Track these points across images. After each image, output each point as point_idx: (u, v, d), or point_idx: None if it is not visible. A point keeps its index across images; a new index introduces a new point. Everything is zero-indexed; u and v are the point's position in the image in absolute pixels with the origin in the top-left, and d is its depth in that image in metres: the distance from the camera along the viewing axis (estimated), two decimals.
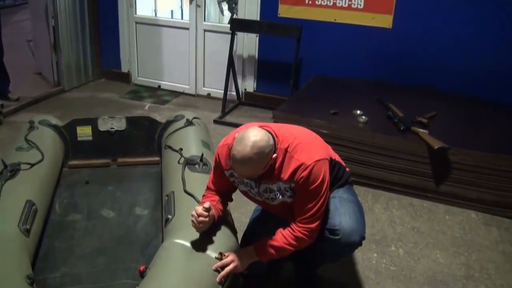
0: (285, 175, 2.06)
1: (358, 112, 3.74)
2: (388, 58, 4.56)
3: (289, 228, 2.11)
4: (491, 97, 4.23)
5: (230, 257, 2.07)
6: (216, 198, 2.29)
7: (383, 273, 2.72)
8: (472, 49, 4.28)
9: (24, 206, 2.37)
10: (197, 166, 2.74)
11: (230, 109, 5.04)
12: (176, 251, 2.09)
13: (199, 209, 2.08)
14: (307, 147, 2.09)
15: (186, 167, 2.72)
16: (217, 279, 1.99)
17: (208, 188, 2.35)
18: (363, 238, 2.17)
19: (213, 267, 2.02)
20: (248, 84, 5.27)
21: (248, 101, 5.26)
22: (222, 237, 2.23)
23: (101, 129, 3.34)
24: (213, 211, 2.16)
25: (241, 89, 5.24)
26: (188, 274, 1.96)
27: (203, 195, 2.34)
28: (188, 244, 2.10)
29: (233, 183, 2.29)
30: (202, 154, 2.80)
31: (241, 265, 2.10)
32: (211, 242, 2.15)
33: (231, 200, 2.43)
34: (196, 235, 2.14)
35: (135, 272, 2.35)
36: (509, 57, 4.18)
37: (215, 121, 4.74)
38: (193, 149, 2.92)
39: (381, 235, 3.06)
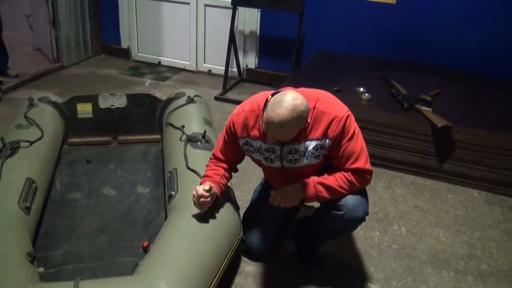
0: (317, 131, 2.06)
1: (361, 89, 3.70)
2: (391, 34, 4.50)
3: (342, 172, 2.12)
4: (496, 74, 4.20)
5: (272, 196, 2.17)
6: (221, 171, 2.28)
7: (385, 251, 2.72)
8: (477, 25, 4.22)
9: (24, 183, 2.37)
10: (199, 143, 2.73)
11: (231, 86, 4.99)
12: (180, 226, 2.10)
13: (200, 189, 2.08)
14: (333, 102, 2.11)
15: (188, 144, 2.70)
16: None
17: (214, 157, 2.33)
18: (367, 213, 2.19)
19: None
20: (250, 61, 5.21)
21: (249, 77, 5.21)
22: (225, 213, 2.24)
23: (101, 106, 3.31)
24: (214, 190, 2.15)
25: (242, 65, 5.19)
26: (192, 249, 1.97)
27: (207, 165, 2.33)
28: (192, 219, 2.11)
29: (246, 152, 2.26)
30: (205, 132, 2.79)
31: (288, 202, 2.18)
32: (214, 217, 2.16)
33: (236, 170, 2.43)
34: (199, 211, 2.15)
35: (137, 250, 2.37)
36: None
37: (216, 98, 4.69)
38: (194, 126, 2.90)
39: (384, 213, 3.05)
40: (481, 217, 3.08)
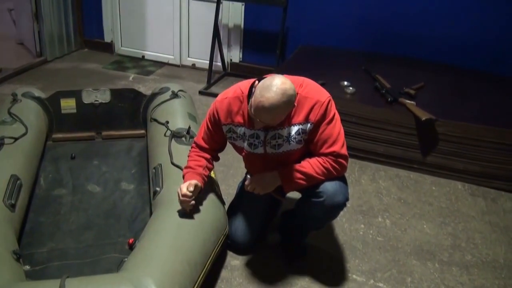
0: (299, 116, 2.09)
1: (345, 83, 3.71)
2: (375, 28, 4.51)
3: (317, 159, 2.14)
4: (479, 67, 4.24)
5: (248, 181, 2.17)
6: (203, 162, 2.28)
7: (370, 243, 2.74)
8: (460, 18, 4.25)
9: (9, 180, 2.35)
10: (183, 138, 2.73)
11: (215, 80, 4.98)
12: (165, 223, 2.10)
13: (184, 189, 2.10)
14: (315, 87, 2.14)
15: (173, 140, 2.70)
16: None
17: (196, 145, 2.34)
18: (347, 199, 2.21)
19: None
20: (234, 54, 5.20)
21: (234, 71, 5.20)
22: (211, 208, 2.25)
23: (85, 102, 3.30)
24: (198, 184, 2.17)
25: (226, 59, 5.17)
26: (177, 245, 1.97)
27: (189, 155, 2.33)
28: (177, 215, 2.12)
29: (229, 139, 2.28)
30: (189, 127, 2.79)
31: (262, 189, 2.18)
32: (200, 213, 2.17)
33: (218, 159, 2.43)
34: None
35: (122, 246, 2.37)
36: (496, 27, 4.16)
37: (201, 92, 4.68)
38: (179, 121, 2.90)
39: (368, 206, 3.07)
40: (465, 208, 3.11)
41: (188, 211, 2.14)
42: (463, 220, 2.99)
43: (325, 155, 2.12)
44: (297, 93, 2.05)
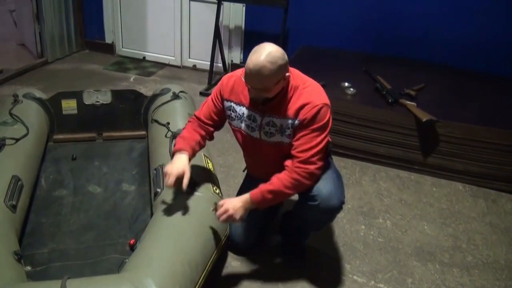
0: (291, 110, 2.09)
1: (346, 84, 3.72)
2: (376, 29, 4.51)
3: (286, 171, 2.11)
4: (479, 68, 4.23)
5: (224, 206, 2.07)
6: (197, 137, 2.30)
7: (371, 244, 2.74)
8: (461, 19, 4.24)
9: (10, 181, 2.34)
10: None
11: (216, 81, 4.96)
12: (166, 224, 2.09)
13: (172, 179, 2.09)
14: (316, 91, 2.13)
15: (174, 141, 2.69)
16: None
17: (195, 117, 2.36)
18: (342, 202, 2.20)
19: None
20: (235, 56, 5.21)
21: None
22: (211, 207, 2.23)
23: (86, 103, 3.29)
24: (184, 170, 2.13)
25: (227, 60, 5.18)
26: (178, 246, 1.97)
27: (185, 126, 2.36)
28: (178, 216, 2.12)
29: (228, 118, 2.30)
30: None
31: (237, 214, 2.09)
32: (201, 214, 2.16)
33: (212, 138, 2.43)
34: (186, 208, 2.16)
35: (123, 247, 2.36)
36: (497, 28, 4.16)
37: (201, 93, 4.68)
38: (180, 123, 2.89)
39: (369, 207, 3.07)
40: (466, 210, 3.11)
41: (173, 187, 2.16)
42: (463, 221, 2.99)
43: (295, 158, 2.10)
44: (298, 87, 2.08)
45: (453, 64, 4.30)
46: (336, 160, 3.36)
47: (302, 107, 2.06)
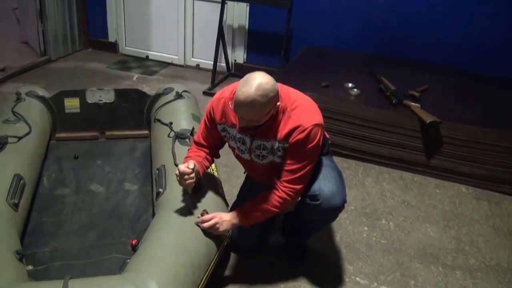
0: (281, 134, 2.06)
1: (350, 85, 3.70)
2: (380, 30, 4.50)
3: (274, 190, 2.13)
4: (483, 70, 4.21)
5: (212, 215, 2.11)
6: (203, 154, 2.29)
7: (373, 246, 2.73)
8: (466, 21, 4.23)
9: (12, 180, 2.34)
10: (187, 140, 2.72)
11: (219, 80, 4.97)
12: (168, 224, 2.09)
13: (182, 166, 2.08)
14: (306, 110, 2.08)
15: (176, 141, 2.69)
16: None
17: (195, 143, 2.34)
18: (344, 201, 2.19)
19: (195, 222, 2.08)
20: (238, 55, 5.20)
21: (237, 72, 5.17)
22: (214, 209, 2.23)
23: (89, 101, 3.29)
24: (197, 168, 2.16)
25: (230, 60, 5.16)
26: (181, 247, 1.97)
27: (188, 151, 2.34)
28: (180, 217, 2.11)
29: (224, 138, 2.28)
30: (193, 128, 2.79)
31: (222, 226, 2.11)
32: (203, 214, 2.14)
33: (218, 156, 2.43)
34: (188, 208, 2.15)
35: (125, 247, 2.36)
36: (502, 30, 4.15)
37: (205, 93, 4.68)
38: (183, 122, 2.89)
39: (372, 208, 3.06)
40: (469, 212, 3.10)
41: (190, 191, 2.16)
42: (467, 224, 2.98)
43: (283, 177, 2.12)
44: (286, 110, 2.05)
45: (457, 66, 4.28)
46: (339, 161, 3.37)
47: (291, 132, 2.03)
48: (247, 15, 4.96)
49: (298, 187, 2.11)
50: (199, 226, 2.07)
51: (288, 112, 2.05)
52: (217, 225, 2.09)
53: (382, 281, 2.47)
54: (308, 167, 2.09)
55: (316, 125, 2.04)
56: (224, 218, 2.12)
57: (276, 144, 2.09)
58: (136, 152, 3.22)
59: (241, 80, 1.95)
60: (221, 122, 2.21)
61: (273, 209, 2.13)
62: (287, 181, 2.10)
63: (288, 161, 2.09)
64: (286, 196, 2.11)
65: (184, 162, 2.21)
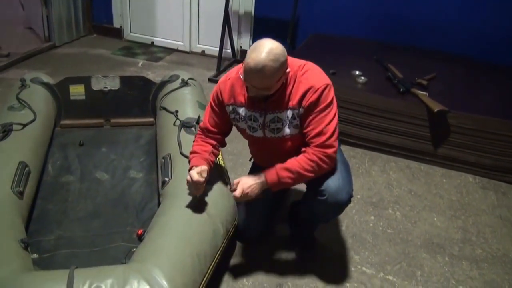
0: (293, 100, 2.03)
1: (357, 72, 3.67)
2: (388, 17, 4.45)
3: (304, 154, 2.05)
4: (492, 59, 4.17)
5: (240, 186, 2.04)
6: (209, 147, 2.24)
7: (380, 235, 2.72)
8: (474, 9, 4.18)
9: (17, 167, 2.33)
10: (193, 128, 2.70)
11: (225, 67, 4.94)
12: (174, 214, 2.08)
13: (195, 175, 2.05)
14: (314, 73, 2.06)
15: (182, 129, 2.67)
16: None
17: (202, 130, 2.29)
18: (351, 196, 2.16)
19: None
20: (244, 42, 5.16)
21: (243, 58, 5.12)
22: (220, 199, 2.23)
23: (94, 88, 3.27)
24: (206, 169, 2.12)
25: (236, 46, 5.13)
26: (187, 236, 1.96)
27: (195, 140, 2.29)
28: (186, 206, 2.10)
29: (233, 120, 2.23)
30: (199, 117, 2.77)
31: (253, 192, 2.06)
32: (209, 204, 2.14)
33: (225, 145, 2.39)
34: (194, 198, 2.14)
35: (130, 235, 2.35)
36: (510, 19, 4.09)
37: (210, 80, 4.65)
38: (188, 110, 2.87)
39: (378, 197, 3.04)
40: (476, 202, 3.08)
41: (197, 196, 2.12)
42: (473, 214, 2.96)
43: (312, 144, 2.05)
44: (296, 76, 2.02)
45: (465, 54, 4.24)
46: (346, 150, 3.35)
47: (304, 95, 2.01)
48: (253, 1, 4.92)
49: (329, 151, 2.02)
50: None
51: (298, 78, 2.03)
52: (249, 194, 2.05)
53: (388, 271, 2.46)
54: (331, 126, 2.02)
55: (327, 84, 2.02)
56: (249, 183, 2.05)
57: (290, 113, 2.06)
58: (141, 140, 3.20)
59: (250, 48, 1.91)
60: (229, 103, 2.17)
61: (306, 173, 2.03)
62: (316, 146, 2.02)
63: (310, 127, 2.04)
64: (318, 160, 2.02)
65: (190, 160, 2.19)
